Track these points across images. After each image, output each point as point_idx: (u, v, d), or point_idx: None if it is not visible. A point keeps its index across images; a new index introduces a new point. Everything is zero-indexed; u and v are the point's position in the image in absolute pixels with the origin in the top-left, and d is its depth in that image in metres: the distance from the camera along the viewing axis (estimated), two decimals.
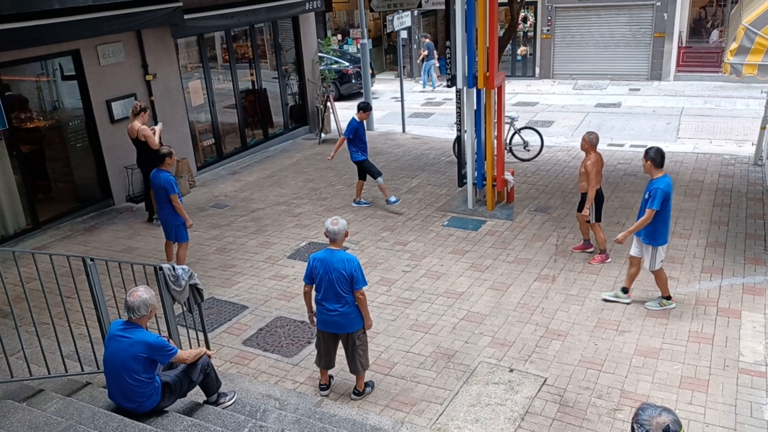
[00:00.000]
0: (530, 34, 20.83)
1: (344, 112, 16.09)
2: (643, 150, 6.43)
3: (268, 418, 4.72)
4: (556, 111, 16.41)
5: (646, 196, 6.07)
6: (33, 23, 8.04)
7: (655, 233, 6.13)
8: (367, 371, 5.39)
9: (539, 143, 11.79)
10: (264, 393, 5.35)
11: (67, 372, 5.02)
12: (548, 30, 20.29)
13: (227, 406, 4.91)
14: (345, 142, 9.42)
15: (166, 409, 4.56)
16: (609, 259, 7.54)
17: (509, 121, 11.51)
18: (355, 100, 18.73)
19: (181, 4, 10.16)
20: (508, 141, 11.59)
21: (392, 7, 14.28)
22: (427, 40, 20.63)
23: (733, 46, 6.24)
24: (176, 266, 5.28)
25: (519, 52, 20.99)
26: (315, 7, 13.79)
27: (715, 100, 16.46)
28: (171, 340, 4.84)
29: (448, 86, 9.96)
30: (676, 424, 2.53)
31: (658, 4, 18.64)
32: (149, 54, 10.52)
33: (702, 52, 19.77)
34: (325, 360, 5.30)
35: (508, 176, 9.35)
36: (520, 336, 6.15)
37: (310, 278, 5.08)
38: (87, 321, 5.13)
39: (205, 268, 7.91)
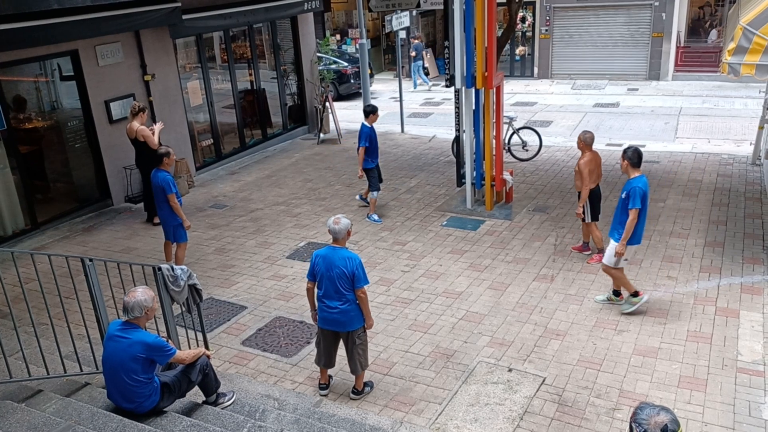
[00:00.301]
0: (529, 34, 20.84)
1: (343, 112, 16.12)
2: (641, 149, 6.43)
3: (267, 418, 4.73)
4: (555, 111, 16.42)
5: (623, 196, 6.04)
6: (31, 23, 8.04)
7: (619, 231, 6.11)
8: (366, 371, 5.39)
9: (538, 143, 11.80)
10: (263, 393, 5.35)
11: (66, 372, 5.02)
12: (547, 30, 20.30)
13: (226, 407, 4.91)
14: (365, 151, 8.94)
15: (165, 409, 4.56)
16: None
17: (508, 121, 11.52)
18: (353, 100, 18.79)
19: (179, 4, 10.15)
20: (506, 141, 11.60)
21: (391, 7, 14.28)
22: (416, 41, 20.70)
23: (731, 45, 6.24)
24: (175, 266, 5.28)
25: (517, 52, 21.00)
26: (313, 7, 13.79)
27: (714, 99, 16.47)
28: (170, 341, 4.84)
29: (446, 86, 9.95)
30: (674, 423, 2.54)
31: (657, 3, 18.65)
32: (148, 54, 10.52)
33: (700, 51, 19.78)
34: (325, 358, 5.30)
35: (506, 176, 9.36)
36: (518, 336, 6.15)
37: (312, 275, 5.09)
38: (86, 321, 5.13)
39: (204, 268, 7.92)
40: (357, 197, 9.84)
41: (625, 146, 6.43)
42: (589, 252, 7.72)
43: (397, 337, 6.23)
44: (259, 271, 7.84)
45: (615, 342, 5.95)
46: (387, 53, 24.78)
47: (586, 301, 6.70)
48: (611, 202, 9.28)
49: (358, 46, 15.50)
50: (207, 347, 5.65)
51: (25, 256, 6.95)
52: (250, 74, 13.22)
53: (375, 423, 4.89)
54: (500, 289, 7.06)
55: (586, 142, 7.29)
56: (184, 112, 11.45)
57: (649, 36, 19.11)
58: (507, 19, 11.86)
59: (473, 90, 8.89)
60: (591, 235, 7.62)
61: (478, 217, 9.11)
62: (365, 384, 5.39)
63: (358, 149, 8.95)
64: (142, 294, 4.32)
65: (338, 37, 24.70)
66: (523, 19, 20.42)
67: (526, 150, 11.93)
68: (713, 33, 20.23)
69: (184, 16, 10.39)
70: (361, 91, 15.60)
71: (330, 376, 5.53)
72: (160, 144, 8.78)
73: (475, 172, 9.38)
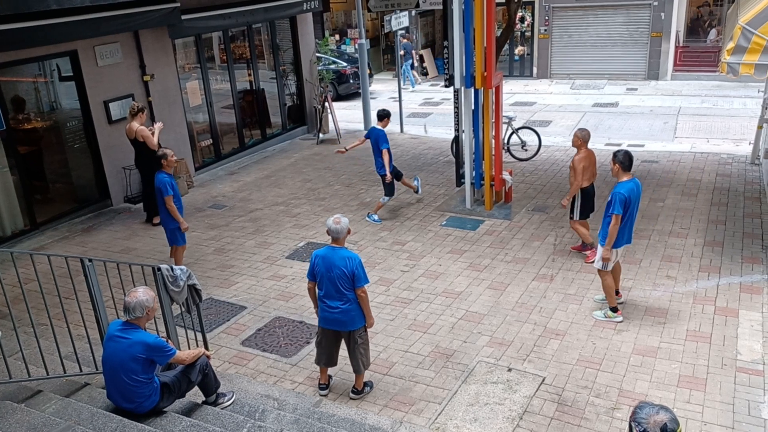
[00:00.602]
0: (528, 33, 20.85)
1: (342, 113, 16.11)
2: (640, 149, 6.46)
3: (266, 418, 4.73)
4: (554, 111, 16.43)
5: (610, 200, 6.04)
6: (30, 24, 8.03)
7: (607, 235, 6.06)
8: (366, 371, 5.39)
9: (537, 143, 11.80)
10: (263, 393, 5.36)
11: (65, 373, 5.02)
12: (545, 30, 20.31)
13: (226, 407, 4.91)
14: (387, 153, 8.90)
15: (164, 409, 4.56)
16: None
17: (507, 120, 11.52)
18: (352, 101, 18.78)
19: (178, 4, 10.15)
20: (505, 141, 11.60)
21: (390, 7, 14.28)
22: (405, 41, 20.79)
23: (730, 45, 6.25)
24: (174, 267, 5.28)
25: (516, 52, 21.01)
26: (312, 7, 13.79)
27: (713, 99, 16.49)
28: (169, 341, 4.84)
29: (446, 86, 9.95)
30: (673, 422, 2.54)
31: (656, 3, 18.66)
32: (147, 54, 10.52)
33: (699, 51, 19.80)
34: (326, 358, 5.31)
35: (506, 176, 9.37)
36: (518, 335, 6.15)
37: (312, 275, 5.09)
38: (85, 322, 5.14)
39: (204, 268, 7.91)
40: (417, 193, 9.75)
41: (624, 146, 6.42)
42: (589, 252, 7.72)
43: (397, 337, 6.23)
44: (259, 271, 7.84)
45: (614, 341, 5.96)
46: (386, 53, 24.79)
47: (585, 301, 6.71)
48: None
49: (357, 47, 15.50)
50: (207, 347, 5.65)
51: (24, 257, 6.95)
52: (250, 74, 13.22)
53: (375, 423, 4.89)
54: (500, 289, 7.07)
55: (583, 139, 7.32)
56: (183, 113, 11.45)
57: (648, 36, 19.12)
58: (506, 19, 11.86)
59: (472, 90, 8.89)
60: (577, 231, 7.62)
61: (478, 217, 9.12)
62: (365, 384, 5.40)
63: (380, 151, 8.83)
64: (143, 294, 4.32)
65: (337, 37, 24.71)
66: (522, 19, 20.43)
67: (526, 150, 11.94)
68: (712, 32, 20.25)
69: (183, 17, 10.39)
70: (360, 91, 15.60)
71: (330, 376, 5.53)
72: (160, 145, 8.79)
73: (474, 172, 9.38)
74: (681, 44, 19.92)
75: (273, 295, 7.20)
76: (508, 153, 11.63)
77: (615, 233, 5.94)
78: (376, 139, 8.91)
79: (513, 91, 18.79)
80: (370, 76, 19.47)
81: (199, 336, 5.73)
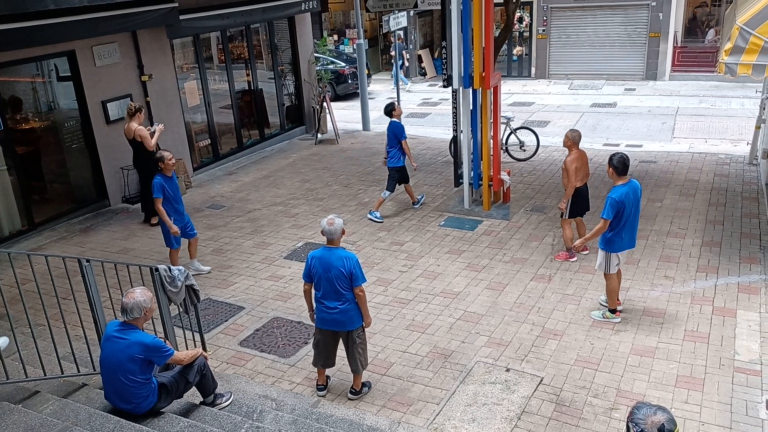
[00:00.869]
0: (526, 34, 20.87)
1: (340, 113, 16.12)
2: (638, 149, 6.46)
3: (264, 419, 4.72)
4: (552, 111, 16.44)
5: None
6: (28, 24, 8.02)
7: (606, 239, 6.05)
8: (364, 371, 5.39)
9: (535, 143, 11.80)
10: (261, 394, 5.35)
11: (63, 373, 5.01)
12: (544, 30, 20.32)
13: (224, 407, 4.90)
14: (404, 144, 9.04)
15: (162, 410, 4.55)
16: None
17: (505, 121, 11.53)
18: (351, 101, 18.79)
19: (176, 4, 10.14)
20: (504, 141, 11.60)
21: (388, 7, 14.29)
22: (396, 41, 20.86)
23: (728, 45, 6.25)
24: (172, 267, 5.27)
25: (515, 52, 21.03)
26: (311, 7, 13.78)
27: (711, 99, 16.51)
28: (167, 341, 4.83)
29: (444, 86, 9.94)
30: (671, 422, 2.54)
31: (654, 4, 18.68)
32: (145, 55, 10.50)
33: (697, 51, 19.82)
34: (324, 359, 5.30)
35: (504, 176, 9.37)
36: (516, 335, 6.15)
37: (309, 276, 5.08)
38: (83, 322, 5.13)
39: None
40: (414, 206, 9.68)
41: (622, 146, 6.41)
42: (586, 252, 7.73)
43: (395, 338, 6.23)
44: (257, 271, 7.84)
45: (612, 341, 5.96)
46: (384, 54, 24.81)
47: (583, 301, 6.71)
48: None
49: (355, 47, 15.50)
50: (204, 348, 5.63)
51: (22, 257, 6.94)
52: (248, 74, 13.22)
53: (373, 423, 4.89)
54: (498, 289, 7.07)
55: (574, 140, 7.33)
56: (182, 113, 11.44)
57: (646, 36, 19.14)
58: (504, 20, 11.87)
59: (471, 90, 8.89)
60: (563, 231, 7.64)
61: (476, 217, 9.12)
62: (363, 384, 5.39)
63: (392, 145, 8.98)
64: (141, 295, 4.31)
65: (336, 37, 24.72)
66: (521, 20, 20.44)
67: (524, 150, 11.94)
68: (710, 33, 20.27)
69: (181, 17, 10.38)
70: (358, 91, 15.60)
71: (328, 377, 5.53)
72: (158, 147, 8.77)
73: (472, 172, 9.38)
74: (679, 44, 19.94)
75: (271, 296, 7.20)
76: (506, 153, 11.64)
77: (596, 235, 6.01)
78: (393, 131, 9.04)
79: (511, 91, 18.80)
80: (369, 76, 19.49)
81: (197, 336, 5.71)
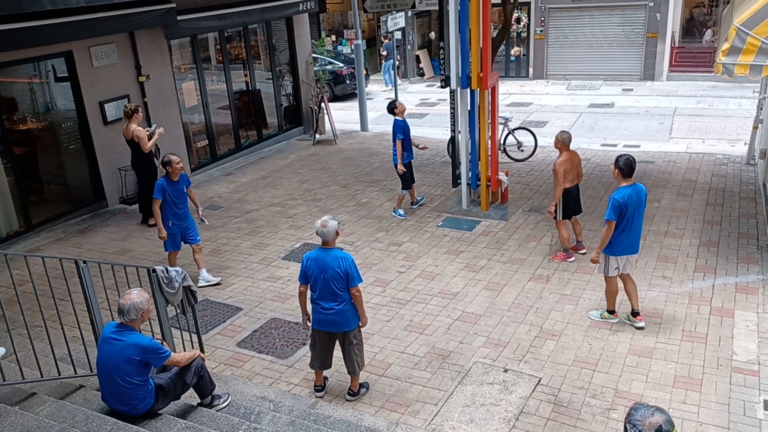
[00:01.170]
0: (524, 34, 20.89)
1: (338, 113, 16.11)
2: (636, 150, 6.46)
3: (262, 420, 4.71)
4: (550, 111, 16.45)
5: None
6: (25, 24, 8.00)
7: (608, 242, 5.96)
8: (362, 372, 5.38)
9: (533, 143, 11.81)
10: (258, 395, 5.34)
11: (60, 375, 5.00)
12: (542, 30, 20.34)
13: (221, 409, 4.90)
14: (401, 144, 8.99)
15: (159, 411, 4.54)
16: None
17: (503, 121, 11.53)
18: (349, 101, 18.79)
19: (174, 5, 10.13)
20: (502, 141, 11.60)
21: (386, 8, 14.29)
22: (386, 41, 20.93)
23: (725, 46, 6.25)
24: (169, 268, 5.26)
25: (513, 52, 21.04)
26: (309, 8, 13.77)
27: (708, 99, 16.53)
28: (164, 343, 4.82)
29: (442, 87, 9.94)
30: (668, 424, 2.54)
31: (651, 4, 18.71)
32: (142, 55, 10.49)
33: (695, 52, 19.85)
34: (321, 360, 5.29)
35: (502, 176, 9.37)
36: (514, 336, 6.15)
37: (304, 278, 5.07)
38: (80, 324, 5.11)
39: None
40: (412, 206, 9.65)
41: (620, 146, 6.38)
42: (584, 251, 7.74)
43: (393, 338, 6.22)
44: (255, 272, 7.83)
45: (610, 342, 5.96)
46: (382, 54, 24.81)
47: (581, 301, 6.71)
48: (604, 202, 9.30)
49: (353, 47, 15.50)
50: (202, 349, 5.63)
51: (18, 258, 6.91)
52: (246, 75, 13.21)
53: (371, 424, 4.88)
54: (496, 290, 7.07)
55: (563, 141, 7.34)
56: (179, 113, 11.42)
57: (643, 36, 19.17)
58: (502, 20, 11.87)
59: (468, 91, 8.89)
60: (558, 232, 7.64)
61: (474, 218, 9.12)
62: (361, 385, 5.39)
63: (394, 143, 8.95)
64: (138, 296, 4.30)
65: (334, 37, 24.71)
66: (518, 20, 20.46)
67: (522, 150, 11.95)
68: (708, 33, 20.30)
69: (179, 17, 10.37)
70: (356, 91, 15.60)
71: (325, 378, 5.52)
72: (158, 150, 8.73)
73: (470, 173, 9.38)
74: (676, 45, 19.98)
75: (269, 297, 7.19)
76: (504, 154, 11.64)
77: (606, 238, 5.86)
78: (393, 129, 9.03)
79: (509, 91, 18.81)
80: (367, 76, 19.46)
81: (195, 338, 5.70)
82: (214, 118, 12.35)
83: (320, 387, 5.42)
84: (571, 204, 7.51)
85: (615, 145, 12.57)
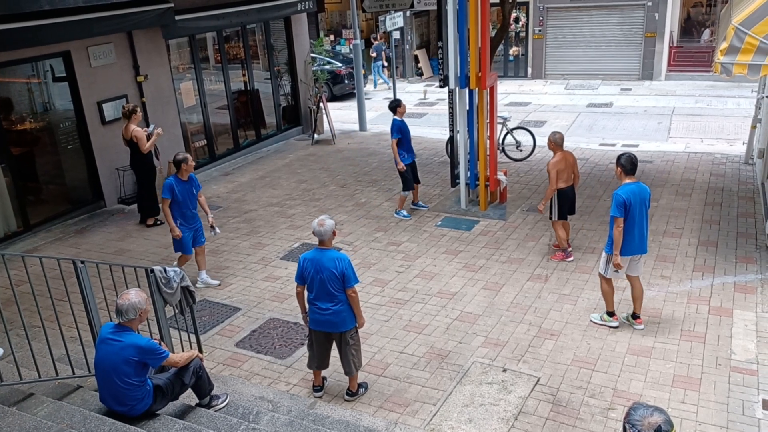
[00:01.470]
0: (522, 34, 20.89)
1: (337, 113, 16.11)
2: (634, 149, 6.45)
3: (261, 421, 4.71)
4: (549, 111, 16.45)
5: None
6: (22, 24, 7.98)
7: (610, 241, 5.90)
8: (361, 372, 5.38)
9: (532, 143, 11.81)
10: (257, 395, 5.33)
11: (57, 375, 4.99)
12: (540, 30, 20.34)
13: (220, 409, 4.89)
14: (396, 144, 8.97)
15: (157, 412, 4.53)
16: (571, 259, 7.57)
17: (502, 121, 11.53)
18: (347, 101, 18.79)
19: (172, 5, 10.11)
20: (500, 141, 11.60)
21: (384, 7, 14.29)
22: (376, 42, 20.96)
23: (724, 45, 6.25)
24: (168, 268, 5.24)
25: (511, 52, 21.04)
26: (307, 7, 13.76)
27: (706, 99, 16.54)
28: (162, 343, 4.81)
29: (440, 86, 9.94)
30: (667, 423, 2.53)
31: (650, 4, 18.72)
32: (140, 55, 10.47)
33: (693, 51, 19.88)
34: (318, 361, 5.29)
35: (500, 176, 9.37)
36: (513, 336, 6.15)
37: (301, 278, 5.06)
38: (78, 324, 5.10)
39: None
40: (412, 205, 9.58)
41: (618, 146, 6.36)
42: (571, 258, 7.68)
43: (392, 338, 6.22)
44: (253, 272, 7.82)
45: (609, 341, 5.96)
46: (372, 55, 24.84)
47: (580, 301, 6.71)
48: (603, 202, 9.32)
49: (351, 47, 15.49)
50: (200, 350, 5.62)
51: (16, 259, 6.90)
52: (244, 75, 13.19)
53: (369, 424, 4.88)
54: (494, 290, 7.06)
55: (556, 142, 7.35)
56: (177, 113, 11.41)
57: (642, 36, 19.18)
58: (500, 20, 11.87)
59: (467, 90, 8.89)
60: (556, 232, 7.64)
61: (473, 218, 9.11)
62: (359, 385, 5.38)
63: (400, 143, 8.92)
64: (135, 296, 4.29)
65: (332, 37, 24.70)
66: (517, 20, 20.46)
67: (520, 150, 11.95)
68: (706, 33, 20.32)
69: (177, 17, 10.35)
70: (355, 91, 15.59)
71: (324, 378, 5.51)
72: (156, 151, 8.67)
73: (469, 173, 9.38)
74: (675, 44, 19.99)
75: (267, 297, 7.18)
76: (502, 153, 11.64)
77: (619, 237, 5.75)
78: (391, 128, 9.00)
79: (508, 91, 18.82)
80: (365, 76, 19.46)
81: (193, 338, 5.69)
82: (212, 118, 12.33)
83: (319, 387, 5.42)
84: (565, 204, 7.51)
85: (613, 145, 12.57)
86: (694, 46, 20.34)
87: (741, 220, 8.49)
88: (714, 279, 6.98)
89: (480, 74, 8.59)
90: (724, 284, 6.85)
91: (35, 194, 9.57)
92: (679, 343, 5.87)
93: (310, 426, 4.62)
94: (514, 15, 19.71)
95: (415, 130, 14.73)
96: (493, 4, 10.20)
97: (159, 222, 9.35)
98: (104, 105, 9.94)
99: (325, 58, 19.65)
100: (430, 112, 17.26)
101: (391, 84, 20.58)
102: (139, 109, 9.20)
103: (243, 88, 13.21)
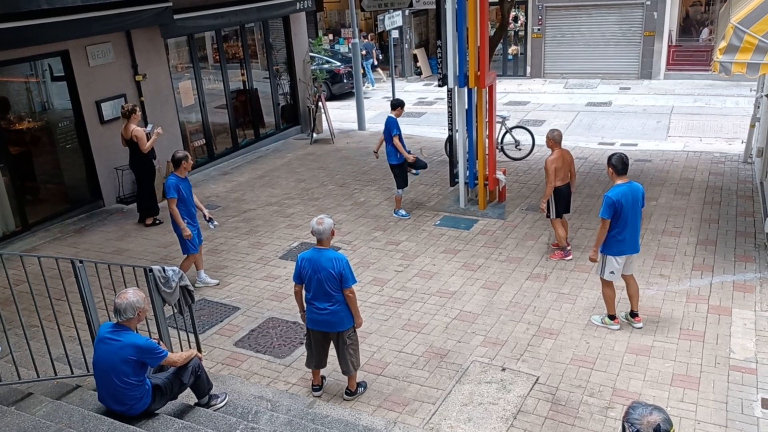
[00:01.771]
0: (521, 33, 20.87)
1: (336, 112, 16.10)
2: (633, 148, 6.44)
3: (260, 420, 4.70)
4: (547, 110, 16.45)
5: None
6: (21, 24, 7.97)
7: (604, 241, 5.90)
8: (360, 371, 5.38)
9: (530, 142, 11.81)
10: (256, 394, 5.33)
11: (56, 375, 4.98)
12: (539, 29, 20.33)
13: (218, 408, 4.88)
14: (384, 142, 9.06)
15: (156, 411, 4.53)
16: (570, 257, 7.58)
17: (501, 120, 11.53)
18: (346, 100, 18.77)
19: (170, 4, 10.10)
20: (499, 140, 11.60)
21: (383, 6, 14.27)
22: (366, 40, 20.98)
23: (722, 44, 6.25)
24: (166, 268, 5.24)
25: (510, 51, 21.03)
26: (306, 6, 13.75)
27: (705, 98, 16.54)
28: (161, 343, 4.81)
29: (439, 85, 9.94)
30: (666, 423, 2.53)
31: (648, 3, 18.72)
32: (139, 54, 10.46)
33: (692, 50, 19.87)
34: (317, 360, 5.28)
35: (499, 175, 9.36)
36: (512, 335, 6.15)
37: (299, 278, 5.06)
38: (76, 323, 5.09)
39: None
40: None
41: (617, 145, 6.35)
42: (570, 257, 7.69)
43: (391, 337, 6.21)
44: (252, 271, 7.81)
45: (608, 340, 5.96)
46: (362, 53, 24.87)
47: (579, 300, 6.71)
48: (602, 201, 9.30)
49: (350, 46, 15.48)
50: (199, 349, 5.62)
51: (14, 258, 6.89)
52: (243, 74, 13.18)
53: (368, 423, 4.87)
54: (493, 289, 7.06)
55: (554, 140, 7.37)
56: (176, 113, 11.40)
57: (640, 35, 19.17)
58: (499, 19, 11.87)
59: (466, 89, 8.88)
60: (555, 230, 7.64)
61: (472, 217, 9.11)
62: (358, 384, 5.38)
63: (390, 140, 8.86)
64: (134, 295, 4.29)
65: (331, 36, 24.67)
66: (516, 19, 20.45)
67: (519, 149, 11.95)
68: (705, 32, 20.32)
69: (176, 16, 10.34)
70: (354, 90, 15.58)
71: (323, 377, 5.51)
72: (154, 151, 8.64)
73: (468, 172, 9.37)
74: (674, 43, 19.99)
75: (266, 296, 7.18)
76: (501, 152, 11.64)
77: (601, 236, 5.82)
78: (388, 126, 8.93)
79: (507, 90, 18.81)
80: (364, 75, 19.48)
81: (192, 337, 5.69)
82: (211, 117, 12.32)
83: (318, 386, 5.41)
84: (562, 203, 7.53)
85: (612, 144, 12.57)
86: (693, 45, 20.33)
87: (740, 219, 8.49)
88: (713, 278, 6.98)
89: (479, 73, 8.58)
90: (723, 283, 6.86)
91: (34, 194, 9.55)
92: (678, 341, 5.87)
93: (309, 425, 4.62)
94: (513, 14, 19.71)
95: (414, 129, 14.80)
96: (492, 3, 10.21)
97: (158, 221, 9.35)
98: (103, 104, 9.93)
99: (324, 58, 19.64)
100: (428, 111, 17.25)
101: (374, 86, 20.72)
102: (138, 109, 9.19)
103: (242, 88, 13.20)
